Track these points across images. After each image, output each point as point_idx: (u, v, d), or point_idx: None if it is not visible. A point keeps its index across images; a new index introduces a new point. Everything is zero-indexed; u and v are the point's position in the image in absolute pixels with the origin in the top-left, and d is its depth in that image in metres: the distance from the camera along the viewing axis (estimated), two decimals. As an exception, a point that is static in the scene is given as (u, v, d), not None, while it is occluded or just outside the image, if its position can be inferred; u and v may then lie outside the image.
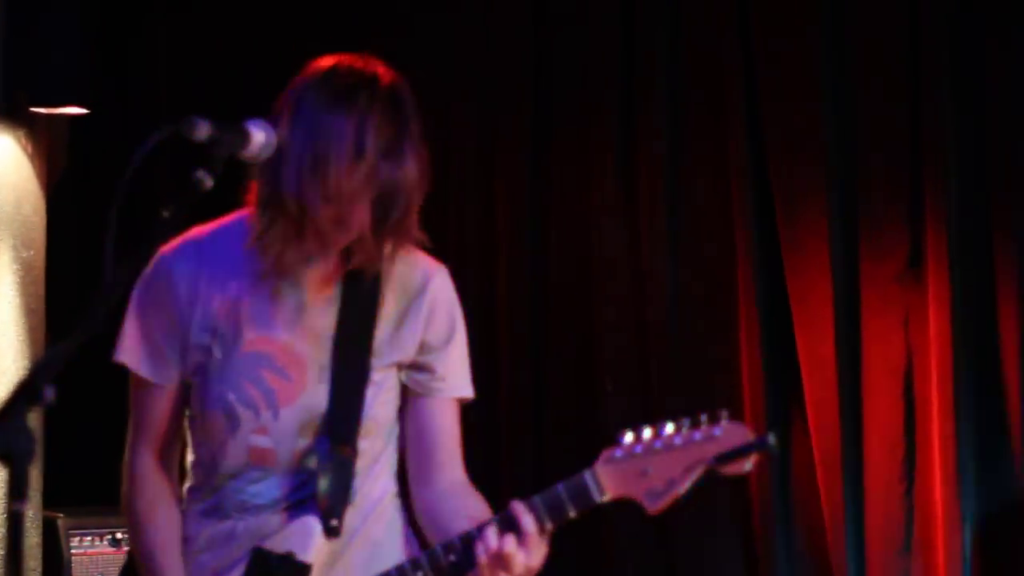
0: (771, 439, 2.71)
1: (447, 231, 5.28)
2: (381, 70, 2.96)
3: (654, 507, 2.78)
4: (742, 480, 4.81)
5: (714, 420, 2.75)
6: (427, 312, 3.09)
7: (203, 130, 2.56)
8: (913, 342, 4.64)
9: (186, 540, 3.11)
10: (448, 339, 3.12)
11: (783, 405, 4.86)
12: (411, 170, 2.90)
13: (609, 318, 5.15)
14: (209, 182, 2.51)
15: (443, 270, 3.16)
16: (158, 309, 3.07)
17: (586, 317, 5.21)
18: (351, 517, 3.04)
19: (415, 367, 3.11)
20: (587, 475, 2.82)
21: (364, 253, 2.97)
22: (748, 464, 2.72)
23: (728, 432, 2.74)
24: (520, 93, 5.39)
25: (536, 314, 5.31)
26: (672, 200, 5.06)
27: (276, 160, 2.83)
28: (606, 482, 2.81)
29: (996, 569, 4.53)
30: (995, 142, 4.57)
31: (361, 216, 2.90)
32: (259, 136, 2.77)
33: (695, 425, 2.75)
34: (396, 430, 3.15)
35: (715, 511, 4.95)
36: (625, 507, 4.87)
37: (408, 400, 3.14)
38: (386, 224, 2.90)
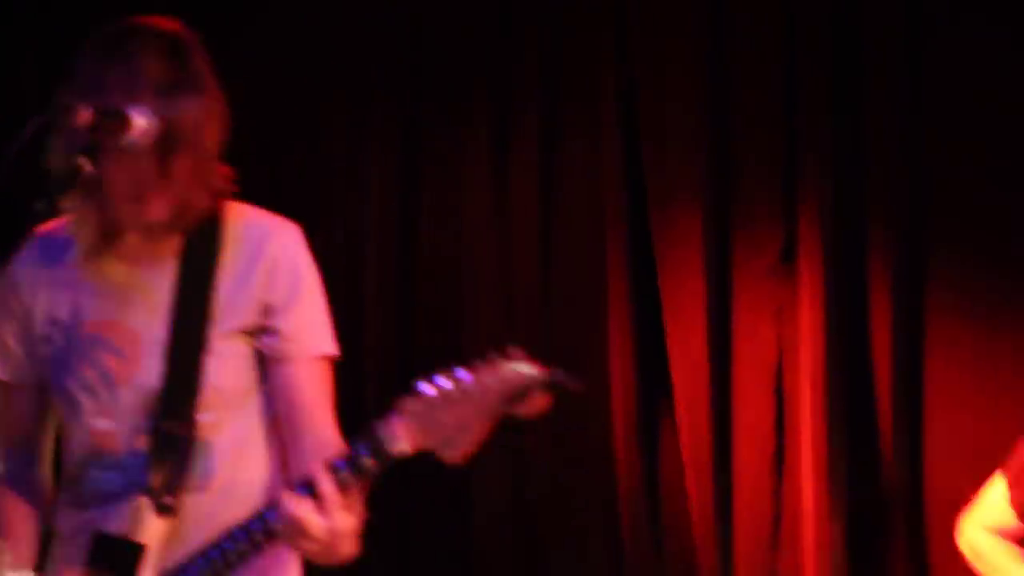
0: (561, 375, 2.65)
1: (318, 216, 5.18)
2: (158, 20, 2.88)
3: (452, 456, 2.66)
4: (610, 479, 4.83)
5: (506, 360, 2.64)
6: (266, 272, 2.96)
7: (85, 115, 2.49)
8: (784, 337, 4.64)
9: (56, 534, 3.03)
10: (292, 298, 2.98)
11: (653, 403, 4.84)
12: (190, 108, 2.81)
13: (478, 318, 5.09)
14: (90, 168, 2.44)
15: (287, 228, 3.02)
16: (4, 308, 2.98)
17: (455, 314, 5.14)
18: (205, 500, 2.91)
19: (262, 331, 2.98)
20: (383, 428, 2.69)
21: (171, 209, 2.86)
22: (543, 403, 2.64)
23: (521, 372, 2.64)
24: (392, 88, 5.32)
25: (403, 315, 5.24)
26: (544, 196, 5.02)
27: None
28: (402, 434, 2.67)
29: (865, 565, 4.54)
30: (869, 138, 4.59)
31: (147, 165, 2.80)
32: (140, 121, 2.70)
33: (488, 368, 2.64)
34: (256, 404, 3.02)
35: (583, 511, 4.92)
36: (495, 512, 4.98)
37: (266, 367, 3.00)
38: (171, 167, 2.80)
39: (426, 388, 2.68)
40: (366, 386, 5.10)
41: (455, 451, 2.67)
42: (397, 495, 5.09)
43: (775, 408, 4.66)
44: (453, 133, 5.18)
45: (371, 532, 5.07)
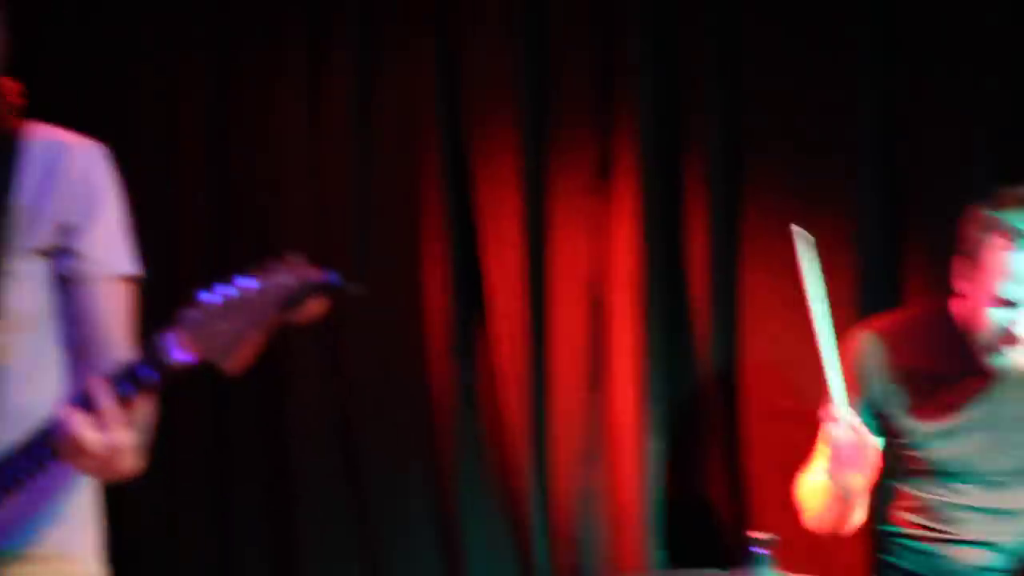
0: (337, 277, 2.63)
1: (126, 135, 5.06)
2: None
3: (230, 365, 2.65)
4: (425, 392, 4.82)
5: (283, 265, 2.62)
6: (64, 192, 2.91)
7: None
8: (601, 251, 4.67)
9: None
10: (90, 218, 2.93)
11: (470, 317, 4.84)
12: None
13: (292, 236, 5.02)
14: None
15: (87, 146, 2.96)
16: None
17: (270, 234, 5.06)
18: None
19: (60, 252, 2.92)
20: (160, 338, 2.67)
21: None
22: (320, 308, 2.62)
23: (297, 275, 2.61)
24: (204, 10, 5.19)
25: (217, 237, 5.13)
26: (359, 111, 4.96)
27: None
28: (180, 343, 2.65)
29: (682, 476, 4.62)
30: (682, 52, 4.61)
31: None
32: None
33: (265, 273, 2.62)
34: (52, 328, 2.96)
35: (400, 425, 4.92)
36: (310, 430, 4.95)
37: (65, 290, 2.95)
38: None
39: (204, 297, 2.65)
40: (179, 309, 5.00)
41: (232, 361, 2.64)
42: (211, 416, 5.03)
43: (591, 322, 4.69)
44: (266, 51, 5.09)
45: (186, 453, 5.04)
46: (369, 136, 4.97)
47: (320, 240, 4.97)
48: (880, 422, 3.76)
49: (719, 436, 4.58)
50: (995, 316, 3.61)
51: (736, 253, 4.56)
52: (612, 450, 4.64)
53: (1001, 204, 3.63)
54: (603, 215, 4.67)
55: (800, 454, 4.23)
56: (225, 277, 2.65)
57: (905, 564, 3.83)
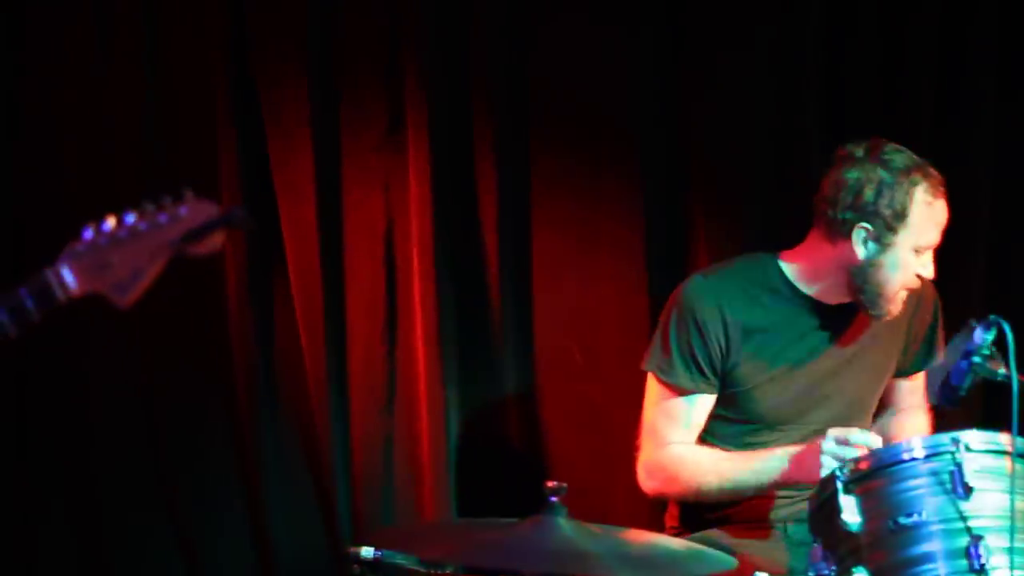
0: (237, 211, 2.65)
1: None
2: None
3: (123, 299, 2.64)
4: (225, 344, 4.84)
5: (179, 200, 2.63)
6: None
7: None
8: (394, 208, 4.74)
9: None
10: None
11: (267, 270, 4.87)
12: None
13: (81, 187, 4.96)
14: None
15: None
16: None
17: (60, 184, 4.99)
18: None
19: None
20: (49, 273, 2.65)
21: None
22: (217, 241, 2.64)
23: (194, 210, 2.61)
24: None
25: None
26: (149, 62, 4.90)
27: None
28: (69, 278, 2.64)
29: (476, 423, 4.73)
30: (472, 15, 4.68)
31: None
32: None
33: (159, 208, 2.62)
34: None
35: (195, 375, 4.93)
36: (111, 388, 4.89)
37: None
38: None
39: (91, 231, 2.64)
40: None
41: (125, 294, 2.64)
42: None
43: (385, 276, 4.76)
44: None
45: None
46: (161, 89, 4.93)
47: (108, 191, 4.91)
48: (710, 371, 3.84)
49: (513, 388, 4.71)
50: (912, 263, 3.76)
51: (527, 209, 4.68)
52: (409, 400, 4.73)
53: (909, 162, 3.74)
54: (396, 171, 4.73)
55: (592, 407, 4.36)
56: (107, 211, 2.63)
57: (710, 511, 3.93)
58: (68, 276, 2.64)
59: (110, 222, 2.63)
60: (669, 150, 4.62)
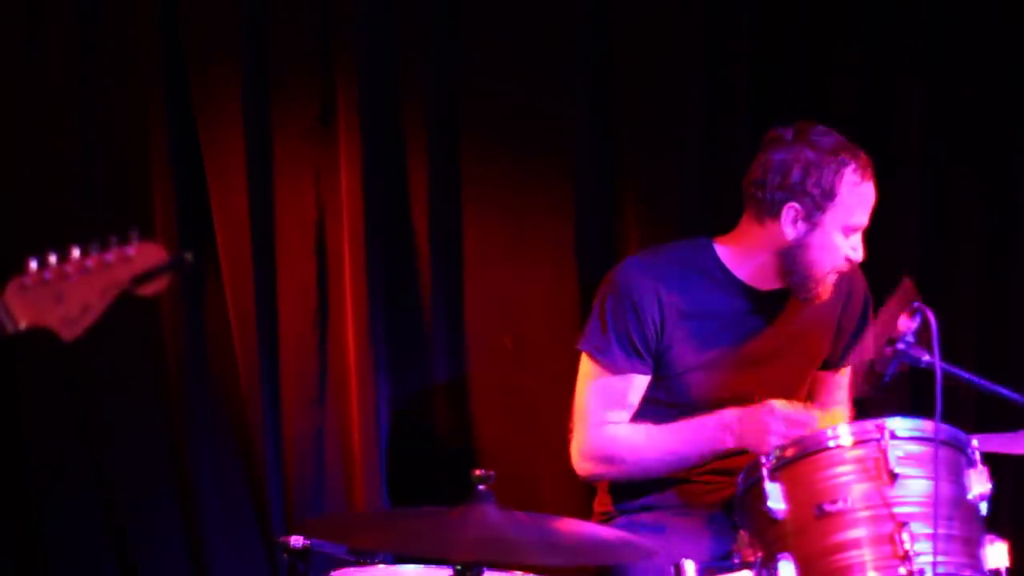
0: (187, 256, 2.71)
1: None
2: None
3: (71, 333, 2.67)
4: (156, 335, 4.81)
5: (125, 241, 2.67)
6: None
7: None
8: (325, 198, 4.73)
9: None
10: None
11: (198, 260, 4.82)
12: None
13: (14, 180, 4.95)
14: None
15: None
16: None
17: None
18: None
19: None
20: None
21: None
22: (163, 284, 2.68)
23: (142, 252, 2.67)
24: None
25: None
26: (84, 58, 4.85)
27: None
28: (17, 311, 2.67)
29: (407, 413, 4.74)
30: (402, 3, 4.70)
31: None
32: None
33: (106, 248, 2.67)
34: None
35: (129, 366, 4.89)
36: (42, 374, 4.87)
37: None
38: None
39: (37, 267, 2.67)
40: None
41: (73, 329, 2.67)
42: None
43: (316, 266, 4.76)
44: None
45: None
46: (92, 79, 4.87)
47: (42, 180, 4.88)
48: (645, 351, 3.86)
49: (444, 377, 4.71)
50: (841, 244, 3.79)
51: (458, 199, 4.68)
52: (340, 390, 4.73)
53: (837, 143, 3.78)
54: (327, 160, 4.72)
55: (522, 395, 4.38)
56: (57, 246, 2.66)
57: (638, 497, 3.95)
58: (16, 308, 2.67)
59: (53, 258, 2.67)
60: (599, 140, 4.65)
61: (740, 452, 3.73)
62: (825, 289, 3.83)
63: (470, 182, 4.68)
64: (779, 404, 3.66)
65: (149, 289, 2.67)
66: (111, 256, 2.67)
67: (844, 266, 3.83)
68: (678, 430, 3.81)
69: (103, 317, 2.70)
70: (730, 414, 3.75)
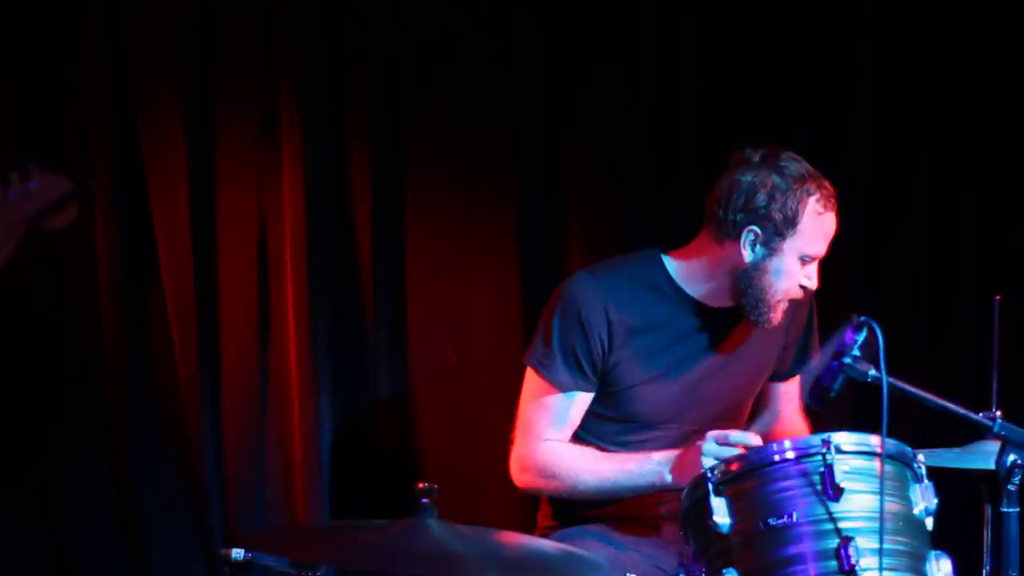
0: (91, 183, 2.69)
1: None
2: None
3: None
4: (96, 344, 4.76)
5: (26, 177, 2.66)
6: None
7: None
8: (267, 207, 4.70)
9: None
10: None
11: (139, 269, 4.79)
12: None
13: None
14: None
15: None
16: None
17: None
18: None
19: None
20: None
21: None
22: (71, 214, 2.65)
23: (45, 185, 2.66)
24: None
25: None
26: (25, 57, 4.78)
27: None
28: None
29: (349, 425, 4.71)
30: (349, 13, 4.67)
31: None
32: None
33: (7, 184, 2.66)
34: None
35: (67, 373, 4.84)
36: None
37: None
38: None
39: None
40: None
41: None
42: None
43: (258, 276, 4.73)
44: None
45: None
46: (32, 77, 4.80)
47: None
48: (590, 370, 3.85)
49: (387, 388, 4.69)
50: (796, 272, 3.79)
51: (401, 210, 4.67)
52: (282, 401, 4.70)
53: (804, 171, 3.77)
54: (269, 170, 4.70)
55: (465, 407, 4.36)
56: None
57: (585, 510, 3.92)
58: None
59: None
60: (543, 152, 4.65)
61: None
62: (776, 315, 3.83)
63: (414, 194, 4.67)
64: (710, 443, 3.64)
65: (57, 222, 2.64)
66: (13, 193, 2.64)
67: (798, 293, 3.83)
68: (618, 460, 3.82)
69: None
70: (670, 455, 3.74)
